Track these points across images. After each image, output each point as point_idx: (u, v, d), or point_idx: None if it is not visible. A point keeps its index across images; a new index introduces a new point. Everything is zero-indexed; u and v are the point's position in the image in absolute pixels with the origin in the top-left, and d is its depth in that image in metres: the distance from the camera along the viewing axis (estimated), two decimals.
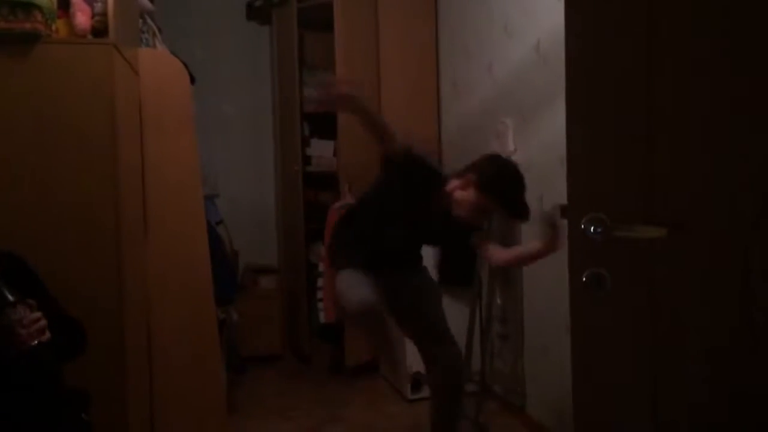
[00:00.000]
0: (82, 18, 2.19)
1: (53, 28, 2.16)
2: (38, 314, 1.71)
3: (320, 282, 4.21)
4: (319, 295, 4.21)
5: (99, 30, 2.22)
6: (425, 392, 3.68)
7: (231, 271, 3.86)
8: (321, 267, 4.23)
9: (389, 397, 3.89)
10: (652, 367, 1.22)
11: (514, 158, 3.40)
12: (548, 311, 3.14)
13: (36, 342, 1.69)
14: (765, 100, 0.98)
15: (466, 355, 3.60)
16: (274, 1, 4.91)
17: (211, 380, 2.78)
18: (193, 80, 3.00)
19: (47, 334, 1.72)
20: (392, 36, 4.35)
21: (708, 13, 1.08)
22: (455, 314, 3.70)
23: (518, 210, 2.57)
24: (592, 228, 1.19)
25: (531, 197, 3.27)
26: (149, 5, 3.00)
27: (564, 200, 1.43)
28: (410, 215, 2.64)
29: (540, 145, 3.18)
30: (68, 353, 1.88)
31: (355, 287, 2.52)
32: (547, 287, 3.14)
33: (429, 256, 3.74)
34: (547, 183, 3.12)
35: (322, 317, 4.18)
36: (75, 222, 2.14)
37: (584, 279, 1.25)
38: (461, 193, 2.57)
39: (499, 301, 3.59)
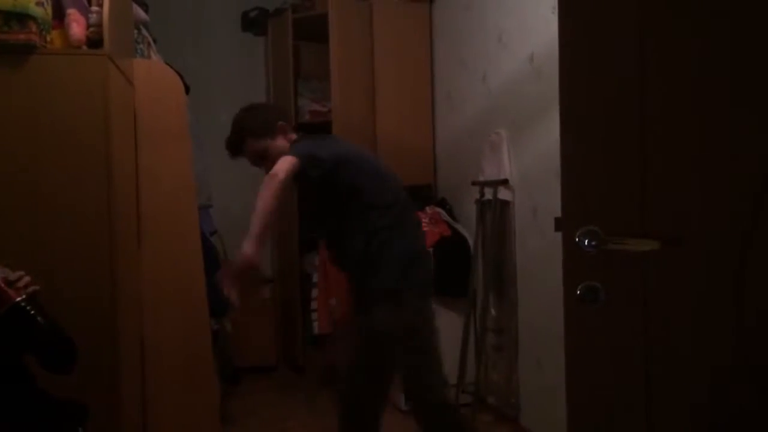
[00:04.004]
0: (76, 29, 2.19)
1: (48, 39, 2.16)
2: (21, 273, 1.72)
3: (314, 292, 4.20)
4: (314, 305, 4.19)
5: (94, 41, 2.22)
6: None
7: None
8: (315, 277, 4.22)
9: None
10: (646, 379, 1.23)
11: (510, 170, 3.42)
12: (543, 323, 3.14)
13: (23, 297, 1.69)
14: (759, 115, 0.99)
15: (461, 367, 3.60)
16: (269, 12, 4.93)
17: (205, 391, 2.77)
18: (187, 90, 3.00)
19: (35, 287, 1.72)
20: (387, 47, 4.36)
21: (701, 23, 1.09)
22: (449, 325, 3.70)
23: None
24: (586, 241, 1.20)
25: (525, 209, 3.31)
26: (144, 16, 3.01)
27: (558, 213, 1.43)
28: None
29: (534, 157, 3.18)
30: (54, 366, 1.85)
31: None
32: (542, 299, 3.14)
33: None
34: (541, 195, 3.13)
35: (316, 328, 4.16)
36: (69, 232, 2.13)
37: (578, 292, 1.25)
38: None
39: (493, 312, 3.59)
